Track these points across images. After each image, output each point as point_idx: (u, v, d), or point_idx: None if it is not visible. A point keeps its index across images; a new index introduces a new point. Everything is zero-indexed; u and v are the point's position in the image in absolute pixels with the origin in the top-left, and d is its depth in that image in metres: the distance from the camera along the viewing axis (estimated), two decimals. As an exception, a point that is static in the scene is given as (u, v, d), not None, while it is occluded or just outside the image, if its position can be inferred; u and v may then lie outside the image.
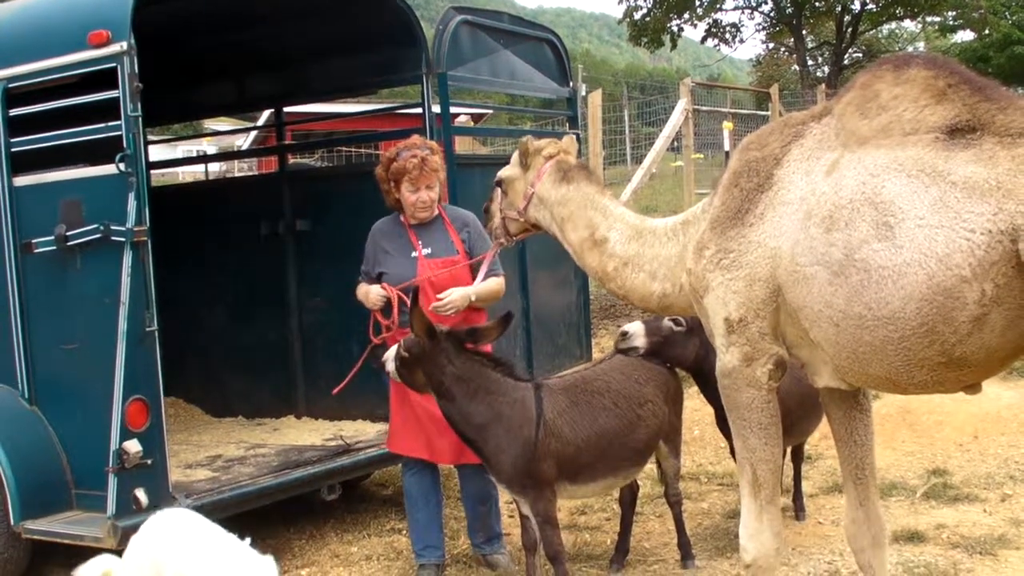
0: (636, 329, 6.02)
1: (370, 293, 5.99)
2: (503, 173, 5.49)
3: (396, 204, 6.11)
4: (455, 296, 5.86)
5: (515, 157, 5.45)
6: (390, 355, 5.59)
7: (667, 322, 5.95)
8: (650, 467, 7.89)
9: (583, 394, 5.65)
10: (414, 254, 6.03)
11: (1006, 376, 8.93)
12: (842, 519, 5.13)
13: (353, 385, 7.73)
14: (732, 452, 6.25)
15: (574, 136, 5.69)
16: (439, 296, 5.87)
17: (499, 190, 5.53)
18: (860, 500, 4.82)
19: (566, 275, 8.43)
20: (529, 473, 5.39)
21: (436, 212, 6.14)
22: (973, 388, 4.25)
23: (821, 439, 6.91)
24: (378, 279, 6.05)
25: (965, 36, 43.30)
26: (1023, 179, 3.73)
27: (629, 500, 6.23)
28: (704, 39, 47.75)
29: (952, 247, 3.77)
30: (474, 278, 5.96)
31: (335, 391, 6.31)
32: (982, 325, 3.81)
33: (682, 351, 5.99)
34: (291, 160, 10.76)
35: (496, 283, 6.07)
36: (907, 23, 50.44)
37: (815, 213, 4.16)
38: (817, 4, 44.19)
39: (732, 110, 22.77)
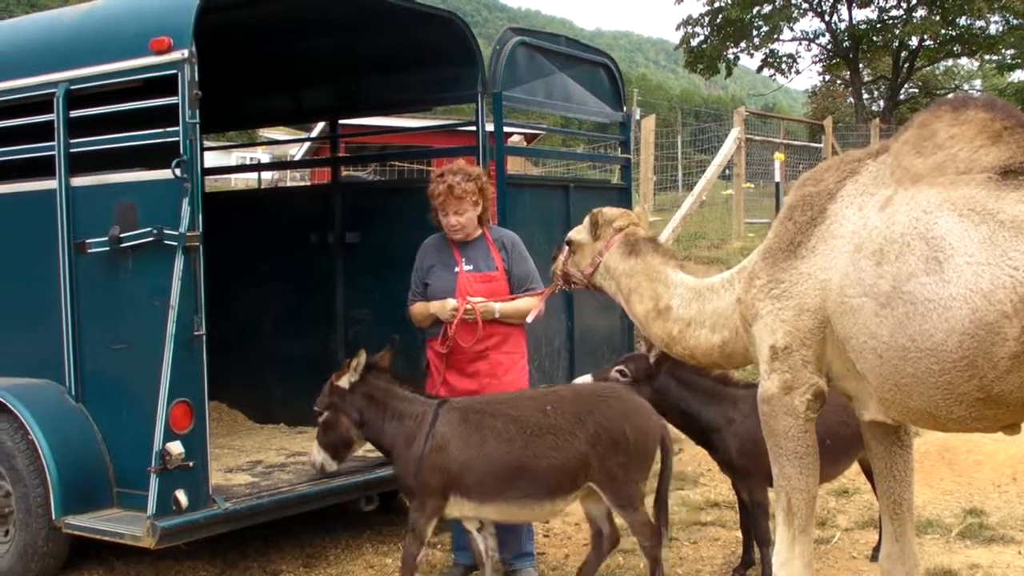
0: (584, 380, 6.15)
1: (447, 304, 6.06)
2: (573, 235, 5.66)
3: (439, 224, 6.26)
4: (479, 305, 6.02)
5: (586, 223, 5.60)
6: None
7: (614, 373, 6.05)
8: (687, 493, 7.86)
9: (478, 415, 5.60)
10: (456, 269, 6.18)
11: (1050, 420, 8.84)
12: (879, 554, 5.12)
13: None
14: (736, 493, 6.26)
15: (646, 207, 5.77)
16: (469, 299, 6.01)
17: (567, 248, 5.68)
18: (896, 535, 4.84)
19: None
20: (417, 483, 5.52)
21: (479, 232, 6.27)
22: (1012, 428, 4.27)
23: (857, 474, 6.88)
24: (424, 291, 6.20)
25: (1023, 75, 42.99)
26: None
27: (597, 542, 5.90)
28: (760, 68, 47.64)
29: (996, 283, 3.80)
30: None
31: None
32: (1021, 363, 3.82)
33: None
34: (344, 172, 10.83)
35: (525, 303, 6.13)
36: (964, 61, 50.15)
37: (866, 246, 4.19)
38: (874, 39, 44.01)
39: (785, 140, 22.76)
